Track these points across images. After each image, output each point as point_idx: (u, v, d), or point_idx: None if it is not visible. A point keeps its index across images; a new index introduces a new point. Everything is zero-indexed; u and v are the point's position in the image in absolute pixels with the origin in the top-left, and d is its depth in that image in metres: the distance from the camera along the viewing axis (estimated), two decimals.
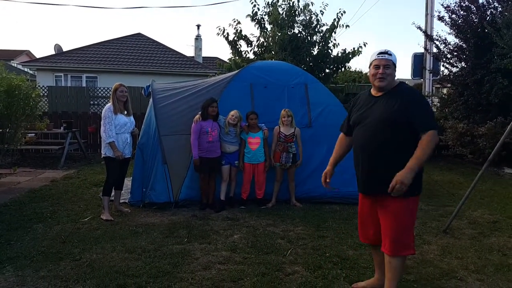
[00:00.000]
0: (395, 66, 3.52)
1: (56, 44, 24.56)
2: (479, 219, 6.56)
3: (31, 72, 24.42)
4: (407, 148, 3.31)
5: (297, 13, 13.50)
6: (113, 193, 7.04)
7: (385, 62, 3.46)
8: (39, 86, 15.76)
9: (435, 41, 13.48)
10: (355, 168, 3.71)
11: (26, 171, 10.34)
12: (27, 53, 42.20)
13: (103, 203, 6.54)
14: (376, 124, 3.43)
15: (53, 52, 23.55)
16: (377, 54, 3.51)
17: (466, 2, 12.09)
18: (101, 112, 14.66)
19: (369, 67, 3.61)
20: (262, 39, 14.04)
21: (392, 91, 3.49)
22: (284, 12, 13.43)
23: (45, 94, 16.21)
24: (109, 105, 6.55)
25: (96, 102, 17.41)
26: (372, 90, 3.65)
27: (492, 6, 11.87)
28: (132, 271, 4.47)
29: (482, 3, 11.96)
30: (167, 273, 4.44)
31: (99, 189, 8.21)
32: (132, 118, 6.80)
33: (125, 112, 6.70)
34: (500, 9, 11.43)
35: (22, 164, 11.19)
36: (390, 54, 3.49)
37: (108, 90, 17.29)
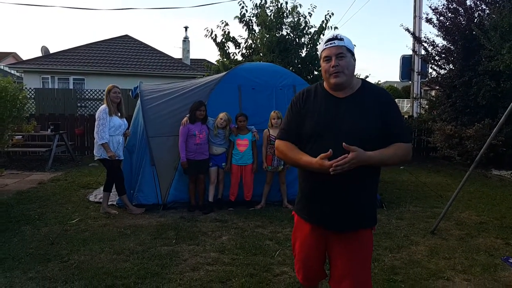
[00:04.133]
0: (353, 54, 2.67)
1: (43, 46, 24.39)
2: (467, 220, 6.61)
3: (17, 74, 24.27)
4: (375, 170, 2.70)
5: (285, 15, 13.52)
6: (101, 195, 7.03)
7: (336, 51, 2.58)
8: (26, 88, 15.65)
9: (423, 43, 13.59)
10: (307, 193, 2.78)
11: (13, 173, 10.25)
12: (14, 55, 41.83)
13: (103, 198, 6.78)
14: (350, 139, 2.46)
15: (40, 54, 23.41)
16: (325, 43, 2.64)
17: (454, 4, 12.20)
18: (88, 114, 14.70)
19: (320, 61, 2.72)
20: (250, 41, 14.05)
21: (359, 92, 2.67)
22: (272, 14, 13.44)
23: (32, 96, 16.10)
24: (104, 106, 6.55)
25: (83, 104, 17.35)
26: (326, 86, 2.74)
27: (480, 8, 11.98)
28: (120, 272, 4.46)
29: (470, 5, 12.06)
30: (155, 274, 4.43)
31: (86, 191, 8.20)
32: (125, 120, 6.81)
33: (119, 114, 6.69)
34: (487, 11, 11.53)
35: (9, 166, 11.08)
36: (341, 39, 2.61)
37: (95, 92, 17.23)
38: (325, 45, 2.63)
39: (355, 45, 2.83)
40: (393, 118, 2.64)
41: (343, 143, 2.37)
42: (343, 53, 2.59)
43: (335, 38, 2.62)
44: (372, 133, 2.55)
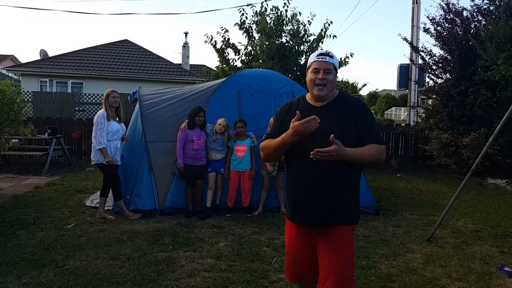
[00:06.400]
0: (337, 71, 2.94)
1: (41, 49, 24.38)
2: (462, 228, 6.63)
3: (15, 77, 24.19)
4: (355, 170, 2.88)
5: (285, 23, 13.56)
6: (97, 200, 7.01)
7: (326, 66, 2.84)
8: (23, 91, 15.63)
9: (420, 53, 13.66)
10: (292, 196, 2.96)
11: (9, 177, 10.21)
12: (12, 58, 41.78)
13: (100, 203, 6.75)
14: (325, 144, 2.64)
15: (38, 58, 23.39)
16: (317, 56, 2.90)
17: (451, 15, 12.29)
18: (86, 118, 14.68)
19: (307, 71, 2.97)
20: (249, 48, 14.08)
21: (335, 101, 2.91)
22: (272, 22, 13.48)
23: (30, 99, 16.09)
24: (102, 111, 6.54)
25: (81, 108, 17.33)
26: (308, 97, 3.00)
27: (476, 19, 12.08)
28: (116, 278, 4.45)
29: (467, 16, 12.16)
30: (151, 281, 4.42)
31: (83, 196, 8.17)
32: (123, 125, 6.80)
33: (117, 119, 6.69)
34: (484, 22, 11.62)
35: (5, 170, 11.05)
36: (332, 56, 2.89)
37: (93, 96, 17.22)
38: (317, 58, 2.88)
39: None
40: (367, 123, 2.86)
41: (331, 136, 2.58)
42: (331, 69, 2.86)
43: (327, 54, 2.89)
44: (346, 137, 2.70)
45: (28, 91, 16.35)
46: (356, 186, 2.93)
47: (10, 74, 24.96)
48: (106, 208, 6.92)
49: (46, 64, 21.46)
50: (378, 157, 2.81)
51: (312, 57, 2.93)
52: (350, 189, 2.86)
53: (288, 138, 2.74)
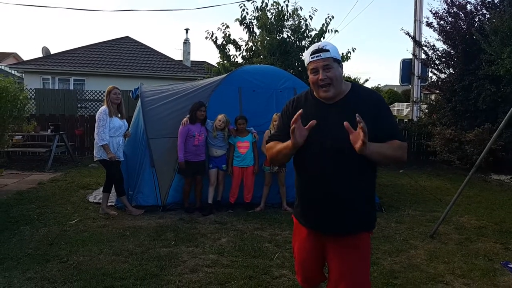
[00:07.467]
0: (339, 62, 2.62)
1: (43, 47, 24.36)
2: (466, 225, 6.61)
3: (18, 74, 24.27)
4: (370, 172, 2.67)
5: (286, 18, 13.53)
6: (100, 196, 7.02)
7: (323, 63, 2.53)
8: (26, 88, 15.64)
9: (423, 47, 13.56)
10: (302, 198, 2.81)
11: (13, 173, 10.24)
12: (15, 55, 41.80)
13: (103, 198, 6.78)
14: (337, 144, 2.49)
15: (40, 55, 23.40)
16: (310, 56, 2.59)
17: (455, 9, 12.20)
18: (88, 115, 14.69)
19: (307, 72, 2.68)
20: (250, 43, 14.05)
21: (348, 96, 2.64)
22: (273, 17, 13.45)
23: (33, 96, 16.12)
24: (104, 107, 6.54)
25: (83, 105, 17.37)
26: (315, 92, 2.71)
27: (480, 13, 11.98)
28: (119, 273, 4.46)
29: (470, 9, 12.07)
30: (154, 276, 4.43)
31: (86, 191, 8.19)
32: (125, 121, 6.81)
33: (119, 115, 6.69)
34: (488, 16, 11.53)
35: (9, 166, 11.07)
36: (327, 50, 2.55)
37: (95, 93, 17.24)
38: (311, 58, 2.58)
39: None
40: (385, 119, 2.60)
41: (345, 122, 2.34)
42: (330, 64, 2.55)
43: (320, 50, 2.56)
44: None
45: (30, 88, 16.40)
46: (371, 189, 2.72)
47: (13, 72, 25.01)
48: (109, 204, 6.94)
49: (49, 62, 21.48)
50: (400, 154, 2.56)
51: (307, 57, 2.64)
52: (365, 193, 2.65)
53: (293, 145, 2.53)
